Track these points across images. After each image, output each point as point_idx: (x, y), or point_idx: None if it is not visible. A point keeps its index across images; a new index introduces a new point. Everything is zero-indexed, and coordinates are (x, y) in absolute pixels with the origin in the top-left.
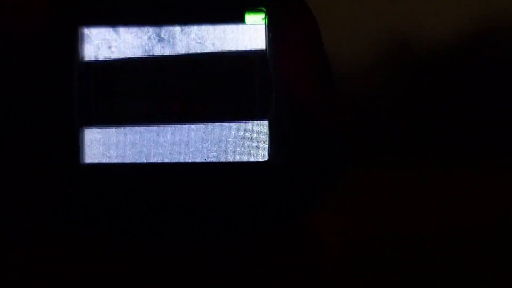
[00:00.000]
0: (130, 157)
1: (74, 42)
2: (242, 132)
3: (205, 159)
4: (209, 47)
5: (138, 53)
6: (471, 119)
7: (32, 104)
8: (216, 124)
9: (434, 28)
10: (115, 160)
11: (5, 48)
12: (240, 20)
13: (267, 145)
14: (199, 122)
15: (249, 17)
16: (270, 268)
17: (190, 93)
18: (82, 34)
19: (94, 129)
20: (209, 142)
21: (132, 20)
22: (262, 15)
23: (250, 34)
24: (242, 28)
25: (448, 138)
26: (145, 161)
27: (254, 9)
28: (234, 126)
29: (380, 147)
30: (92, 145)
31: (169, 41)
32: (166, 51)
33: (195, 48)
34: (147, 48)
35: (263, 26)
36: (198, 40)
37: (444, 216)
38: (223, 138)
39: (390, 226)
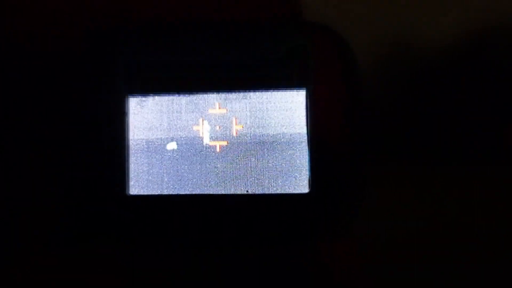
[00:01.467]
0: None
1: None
2: (284, 164)
3: (247, 191)
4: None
5: None
6: (472, 122)
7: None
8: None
9: (434, 30)
10: (158, 191)
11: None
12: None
13: (308, 177)
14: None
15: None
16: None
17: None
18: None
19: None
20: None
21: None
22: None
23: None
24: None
25: (449, 141)
26: (188, 192)
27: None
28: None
29: (381, 152)
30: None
31: None
32: None
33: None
34: None
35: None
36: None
37: (456, 222)
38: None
39: (402, 243)
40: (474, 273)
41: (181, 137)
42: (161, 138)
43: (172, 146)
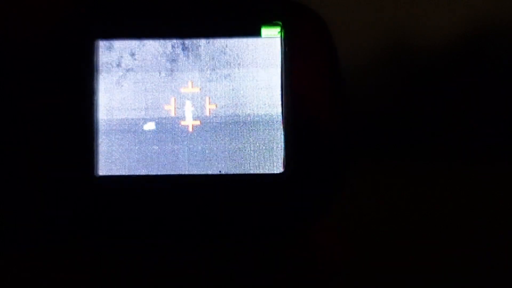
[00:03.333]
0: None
1: (91, 55)
2: (258, 144)
3: (220, 171)
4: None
5: None
6: (472, 121)
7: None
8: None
9: (434, 28)
10: (128, 172)
11: (21, 56)
12: (257, 33)
13: (282, 157)
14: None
15: (265, 30)
16: (273, 274)
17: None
18: (98, 47)
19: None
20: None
21: (147, 34)
22: (278, 29)
23: (265, 46)
24: (258, 42)
25: (449, 140)
26: (159, 173)
27: (270, 22)
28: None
29: (379, 150)
30: None
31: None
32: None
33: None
34: None
35: (279, 39)
36: None
37: (445, 220)
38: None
39: (390, 230)
40: (457, 258)
41: (152, 117)
42: (132, 117)
43: (150, 126)
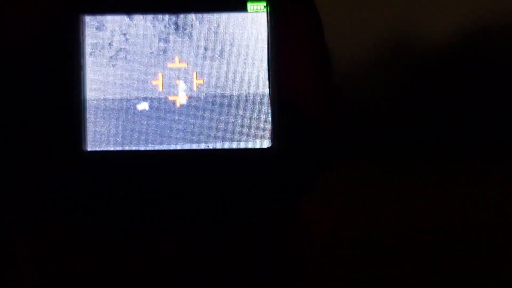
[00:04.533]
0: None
1: (77, 30)
2: (246, 119)
3: (208, 146)
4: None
5: None
6: (471, 120)
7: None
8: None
9: (434, 28)
10: (117, 147)
11: (7, 36)
12: (243, 8)
13: (269, 132)
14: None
15: (251, 5)
16: (262, 255)
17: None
18: (84, 22)
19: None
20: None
21: (136, 9)
22: (264, 3)
23: (252, 21)
24: (244, 16)
25: (447, 139)
26: (147, 148)
27: None
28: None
29: (377, 146)
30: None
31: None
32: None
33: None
34: None
35: (265, 14)
36: None
37: (436, 214)
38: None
39: (381, 221)
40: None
41: (139, 92)
42: (119, 93)
43: (143, 106)
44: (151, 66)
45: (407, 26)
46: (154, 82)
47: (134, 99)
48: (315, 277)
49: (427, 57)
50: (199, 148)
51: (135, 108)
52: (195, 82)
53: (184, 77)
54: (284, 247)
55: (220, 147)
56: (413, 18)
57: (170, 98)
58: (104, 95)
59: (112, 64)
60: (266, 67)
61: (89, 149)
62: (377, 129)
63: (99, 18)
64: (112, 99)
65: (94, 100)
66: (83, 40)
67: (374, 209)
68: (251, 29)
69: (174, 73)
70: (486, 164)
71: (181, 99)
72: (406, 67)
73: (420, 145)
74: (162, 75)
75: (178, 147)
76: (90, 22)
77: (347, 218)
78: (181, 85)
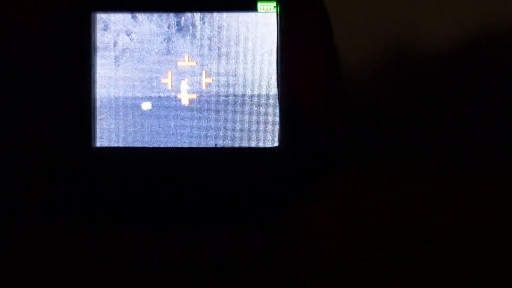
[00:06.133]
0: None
1: (87, 29)
2: (253, 119)
3: (216, 145)
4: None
5: None
6: (471, 124)
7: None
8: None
9: (434, 32)
10: (125, 144)
11: (18, 33)
12: (253, 8)
13: (277, 131)
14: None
15: (261, 5)
16: (266, 259)
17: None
18: (95, 20)
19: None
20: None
21: (144, 7)
22: (274, 3)
23: (262, 21)
24: (254, 16)
25: (448, 142)
26: (156, 145)
27: None
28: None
29: (378, 150)
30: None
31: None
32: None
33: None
34: None
35: (275, 14)
36: None
37: (442, 218)
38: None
39: (383, 224)
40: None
41: (149, 90)
42: (129, 91)
43: (146, 106)
44: (160, 64)
45: (411, 29)
46: (163, 80)
47: (143, 97)
48: (318, 278)
49: (430, 60)
50: (206, 146)
51: (143, 107)
52: (204, 80)
53: (193, 76)
54: (289, 247)
55: (228, 146)
56: (416, 22)
57: (179, 96)
58: (113, 93)
59: (118, 63)
60: (275, 68)
61: (98, 145)
62: (382, 131)
63: (104, 18)
64: (121, 97)
65: (103, 98)
66: (94, 38)
67: (379, 211)
68: (261, 29)
69: (184, 72)
70: (489, 166)
71: (190, 97)
72: (411, 69)
73: (426, 147)
74: (171, 73)
75: (186, 145)
76: (97, 21)
77: (351, 220)
78: (190, 84)
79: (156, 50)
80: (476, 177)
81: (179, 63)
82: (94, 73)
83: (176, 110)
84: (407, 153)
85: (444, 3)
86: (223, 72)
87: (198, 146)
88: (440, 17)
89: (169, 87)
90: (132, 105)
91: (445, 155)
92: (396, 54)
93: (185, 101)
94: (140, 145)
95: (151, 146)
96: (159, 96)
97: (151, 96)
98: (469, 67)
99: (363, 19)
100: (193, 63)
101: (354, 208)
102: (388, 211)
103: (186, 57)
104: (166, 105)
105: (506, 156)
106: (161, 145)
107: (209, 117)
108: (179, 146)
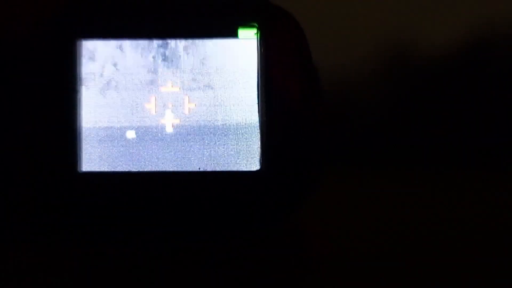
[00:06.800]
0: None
1: (73, 56)
2: (235, 136)
3: (199, 168)
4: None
5: None
6: (471, 129)
7: (31, 110)
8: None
9: (434, 36)
10: (111, 169)
11: (4, 56)
12: (234, 35)
13: (259, 155)
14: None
15: (242, 32)
16: (260, 266)
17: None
18: (80, 48)
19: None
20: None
21: (128, 34)
22: (255, 30)
23: (242, 48)
24: (235, 43)
25: (447, 147)
26: (140, 169)
27: (247, 24)
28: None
29: (375, 156)
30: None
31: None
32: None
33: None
34: None
35: (255, 41)
36: None
37: (439, 223)
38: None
39: (375, 227)
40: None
41: (133, 117)
42: (114, 119)
43: (131, 134)
44: (144, 90)
45: (408, 34)
46: (147, 106)
47: (127, 126)
48: None
49: (427, 65)
50: (190, 170)
51: (127, 135)
52: (187, 106)
53: (176, 101)
54: (282, 257)
55: (211, 170)
56: (413, 27)
57: (162, 121)
58: (98, 123)
59: (103, 93)
60: (256, 94)
61: (83, 170)
62: (378, 140)
63: (91, 48)
64: (106, 127)
65: (88, 127)
66: (80, 66)
67: (374, 220)
68: (241, 56)
69: (167, 97)
70: (489, 172)
71: (173, 122)
72: (407, 77)
73: (420, 156)
74: (155, 98)
75: (170, 169)
76: (83, 51)
77: (344, 229)
78: (173, 109)
79: (141, 80)
80: (476, 181)
81: (162, 89)
82: (80, 100)
83: (159, 136)
84: (407, 159)
85: (444, 4)
86: (205, 98)
87: (182, 170)
88: (440, 19)
89: (153, 112)
90: (117, 134)
91: (445, 159)
92: (395, 57)
93: (168, 127)
94: (125, 169)
95: (135, 170)
96: (143, 123)
97: (135, 124)
98: (469, 69)
99: (363, 21)
100: (176, 89)
101: (347, 218)
102: (386, 219)
103: (169, 82)
104: (149, 131)
105: (508, 163)
106: (145, 169)
107: (192, 143)
108: (163, 170)
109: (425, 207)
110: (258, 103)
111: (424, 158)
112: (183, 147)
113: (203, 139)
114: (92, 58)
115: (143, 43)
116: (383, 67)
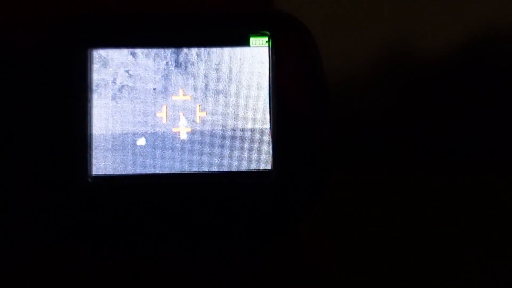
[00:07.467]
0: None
1: (84, 65)
2: (246, 143)
3: (210, 174)
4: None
5: None
6: (471, 129)
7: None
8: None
9: (434, 38)
10: (121, 172)
11: (16, 65)
12: (245, 43)
13: (270, 162)
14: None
15: (254, 40)
16: (265, 277)
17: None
18: (92, 56)
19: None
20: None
21: (140, 43)
22: (266, 38)
23: (254, 56)
24: (247, 51)
25: (447, 148)
26: (150, 172)
27: (258, 32)
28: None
29: (376, 157)
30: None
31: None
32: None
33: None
34: None
35: (267, 49)
36: None
37: (435, 225)
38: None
39: (378, 234)
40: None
41: (144, 124)
42: (125, 125)
43: (141, 142)
44: (155, 99)
45: (409, 36)
46: (158, 114)
47: (138, 133)
48: None
49: (428, 68)
50: (201, 175)
51: (138, 143)
52: (198, 114)
53: (188, 110)
54: (285, 269)
55: (222, 176)
56: (415, 29)
57: (174, 130)
58: (109, 130)
59: (116, 100)
60: (268, 102)
61: (94, 174)
62: (380, 146)
63: (104, 55)
64: (117, 134)
65: (99, 135)
66: (91, 75)
67: (376, 226)
68: (253, 64)
69: (178, 106)
70: (488, 173)
71: (184, 130)
72: (408, 79)
73: (424, 159)
74: (166, 107)
75: (180, 174)
76: (96, 58)
77: (347, 239)
78: (185, 117)
79: (154, 87)
80: (476, 183)
81: (174, 97)
82: (91, 109)
83: (172, 142)
84: (407, 167)
85: (445, 6)
86: (216, 109)
87: (193, 175)
88: (440, 21)
89: (164, 121)
90: (127, 142)
91: (446, 161)
92: (397, 59)
93: (179, 135)
94: (136, 172)
95: (146, 172)
96: (155, 130)
97: (146, 132)
98: (470, 74)
99: (364, 23)
100: (188, 97)
101: (350, 227)
102: (389, 224)
103: (181, 91)
104: (162, 138)
105: (508, 164)
106: (156, 173)
107: (203, 151)
108: (174, 173)
109: (432, 214)
110: (269, 111)
111: (429, 162)
112: (193, 155)
113: (213, 146)
114: (104, 65)
115: (156, 50)
116: (384, 68)
